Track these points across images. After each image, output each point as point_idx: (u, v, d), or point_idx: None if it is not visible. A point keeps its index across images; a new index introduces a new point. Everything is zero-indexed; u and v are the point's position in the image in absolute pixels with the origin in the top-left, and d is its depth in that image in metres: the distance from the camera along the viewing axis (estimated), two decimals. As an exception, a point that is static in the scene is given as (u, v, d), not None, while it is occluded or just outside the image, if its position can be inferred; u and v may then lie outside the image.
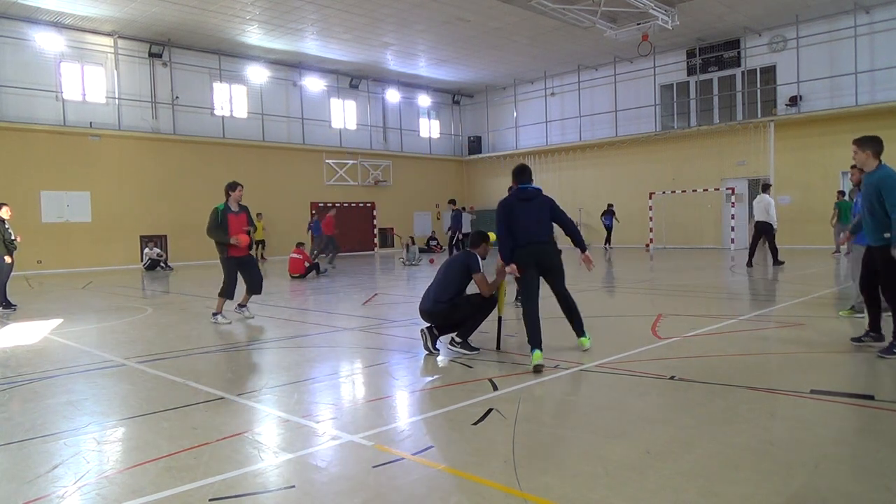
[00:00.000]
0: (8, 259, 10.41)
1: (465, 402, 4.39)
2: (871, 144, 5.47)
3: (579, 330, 6.15)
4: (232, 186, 8.50)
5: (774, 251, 14.66)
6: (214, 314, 8.50)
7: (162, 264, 19.77)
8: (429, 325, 6.14)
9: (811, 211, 20.57)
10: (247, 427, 4.04)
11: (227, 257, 8.42)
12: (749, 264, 14.42)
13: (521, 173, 6.15)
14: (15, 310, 10.44)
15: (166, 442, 3.72)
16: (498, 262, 5.99)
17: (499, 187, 30.07)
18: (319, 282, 14.46)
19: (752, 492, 2.87)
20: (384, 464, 3.32)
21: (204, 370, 5.66)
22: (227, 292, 8.50)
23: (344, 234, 26.54)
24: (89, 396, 4.87)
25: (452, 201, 20.90)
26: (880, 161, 5.45)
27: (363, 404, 4.60)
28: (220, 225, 8.27)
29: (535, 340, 5.57)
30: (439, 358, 5.87)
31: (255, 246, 23.44)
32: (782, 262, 14.58)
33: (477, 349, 6.00)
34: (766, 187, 14.88)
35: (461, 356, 5.85)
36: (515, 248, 5.79)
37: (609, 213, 24.35)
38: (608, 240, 24.20)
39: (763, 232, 14.44)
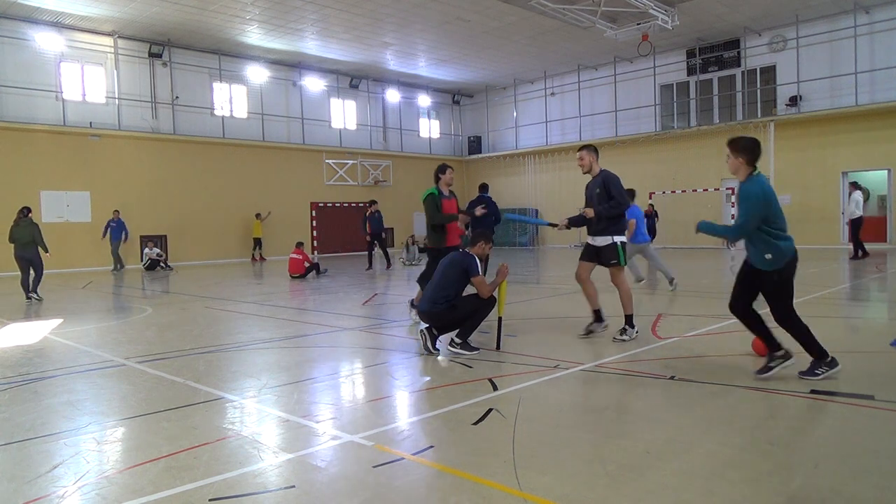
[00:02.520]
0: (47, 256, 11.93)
1: (465, 402, 4.38)
2: (746, 151, 4.60)
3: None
4: (442, 170, 7.86)
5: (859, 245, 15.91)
6: (412, 304, 8.19)
7: (162, 264, 19.77)
8: (428, 325, 6.13)
9: (811, 211, 20.56)
10: (247, 427, 4.04)
11: (442, 248, 7.47)
12: (865, 255, 15.72)
13: (483, 188, 10.76)
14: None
15: (166, 442, 3.71)
16: (499, 264, 6.12)
17: (499, 187, 30.05)
18: (319, 282, 14.46)
19: (752, 492, 2.87)
20: (384, 464, 3.32)
21: (204, 370, 5.66)
22: (424, 279, 7.70)
23: (343, 234, 26.66)
24: (89, 396, 4.87)
25: (372, 202, 18.98)
26: (754, 169, 4.66)
27: (363, 404, 4.60)
28: (439, 209, 7.58)
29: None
30: (439, 358, 5.87)
31: (254, 245, 23.49)
32: (866, 256, 15.83)
33: (477, 349, 5.99)
34: (856, 185, 16.20)
35: (461, 356, 5.85)
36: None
37: (650, 216, 23.85)
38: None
39: (859, 226, 15.77)
